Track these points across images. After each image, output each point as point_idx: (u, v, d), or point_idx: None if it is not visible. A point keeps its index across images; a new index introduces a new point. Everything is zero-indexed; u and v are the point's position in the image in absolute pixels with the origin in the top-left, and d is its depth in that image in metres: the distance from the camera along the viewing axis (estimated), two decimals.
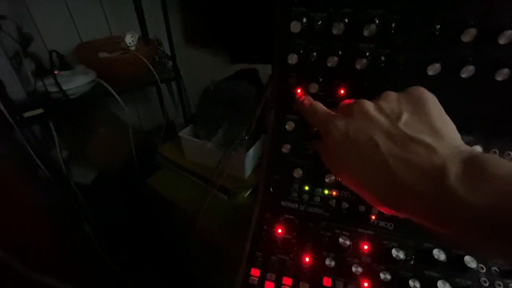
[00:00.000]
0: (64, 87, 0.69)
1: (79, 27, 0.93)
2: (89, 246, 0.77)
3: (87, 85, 0.74)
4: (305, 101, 0.34)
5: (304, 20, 0.33)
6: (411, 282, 0.32)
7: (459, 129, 0.35)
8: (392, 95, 0.27)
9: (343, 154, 0.27)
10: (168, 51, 0.98)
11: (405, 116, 0.25)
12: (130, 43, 0.81)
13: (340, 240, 0.36)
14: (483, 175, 0.20)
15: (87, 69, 0.78)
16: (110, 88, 0.79)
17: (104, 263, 0.80)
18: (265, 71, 0.91)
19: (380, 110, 0.26)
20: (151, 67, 0.83)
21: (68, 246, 0.70)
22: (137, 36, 0.83)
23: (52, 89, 0.69)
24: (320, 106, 0.32)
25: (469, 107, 0.33)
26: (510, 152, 0.34)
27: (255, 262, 0.37)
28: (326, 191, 0.40)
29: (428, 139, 0.23)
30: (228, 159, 0.57)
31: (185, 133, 0.70)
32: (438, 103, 0.26)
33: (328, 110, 0.31)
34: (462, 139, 0.35)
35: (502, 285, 0.32)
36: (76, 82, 0.72)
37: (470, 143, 0.35)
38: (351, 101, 0.29)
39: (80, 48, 0.88)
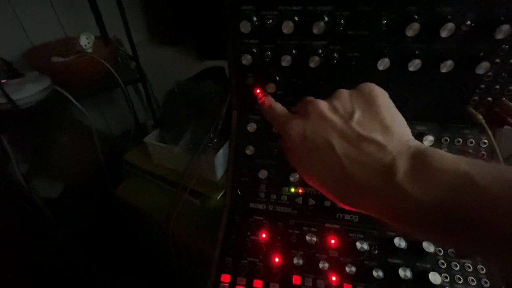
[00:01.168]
0: (14, 97, 0.64)
1: (28, 30, 0.85)
2: (61, 264, 0.73)
3: (40, 93, 0.69)
4: (265, 102, 0.34)
5: (255, 19, 0.32)
6: (374, 272, 0.33)
7: (412, 120, 0.37)
8: (344, 93, 0.27)
9: (303, 156, 0.27)
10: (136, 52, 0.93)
11: (357, 115, 0.25)
12: (86, 45, 0.76)
13: (307, 238, 0.36)
14: (427, 170, 0.20)
15: (40, 76, 0.72)
16: (68, 95, 0.74)
17: (80, 279, 0.76)
18: None
19: (334, 109, 0.26)
20: (111, 69, 0.79)
21: (35, 267, 0.66)
22: (93, 37, 0.78)
23: (0, 100, 0.63)
24: (279, 107, 0.32)
25: (419, 98, 0.34)
26: (459, 139, 0.36)
27: (225, 268, 0.37)
28: (292, 189, 0.40)
29: (379, 137, 0.23)
30: (197, 163, 0.56)
31: (151, 138, 0.68)
32: (388, 99, 0.27)
33: (287, 111, 0.31)
34: (416, 129, 0.37)
35: (458, 265, 0.34)
36: (28, 91, 0.66)
37: (423, 133, 0.36)
38: (307, 100, 0.29)
39: (31, 53, 0.81)
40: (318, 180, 0.26)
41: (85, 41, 0.76)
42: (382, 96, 0.26)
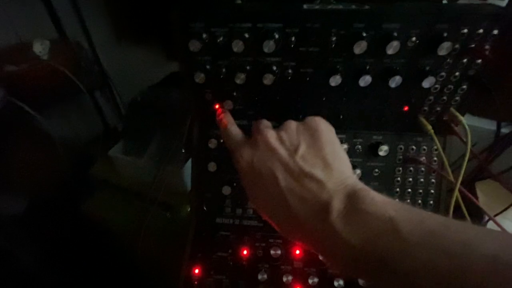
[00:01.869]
0: None
1: None
2: (27, 282, 0.69)
3: None
4: (223, 121, 0.33)
5: (204, 35, 0.30)
6: (335, 282, 0.34)
7: (368, 130, 0.38)
8: (292, 125, 0.28)
9: (250, 183, 0.27)
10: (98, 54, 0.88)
11: (301, 149, 0.25)
12: (40, 52, 0.71)
13: (271, 251, 0.37)
14: (357, 213, 0.20)
15: None
16: (25, 106, 0.69)
17: None
18: None
19: (281, 141, 0.26)
20: (71, 76, 0.74)
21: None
22: (48, 42, 0.73)
23: None
24: (233, 130, 0.31)
25: (372, 111, 0.35)
26: (413, 147, 0.38)
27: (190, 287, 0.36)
28: None
29: (319, 173, 0.24)
30: (165, 175, 0.54)
31: (116, 151, 0.65)
32: (333, 135, 0.27)
33: (241, 135, 0.31)
34: (372, 139, 0.38)
35: None
36: None
37: (380, 142, 0.37)
38: (258, 128, 0.29)
39: None
40: (261, 208, 0.27)
41: (39, 47, 0.71)
42: (327, 132, 0.27)
